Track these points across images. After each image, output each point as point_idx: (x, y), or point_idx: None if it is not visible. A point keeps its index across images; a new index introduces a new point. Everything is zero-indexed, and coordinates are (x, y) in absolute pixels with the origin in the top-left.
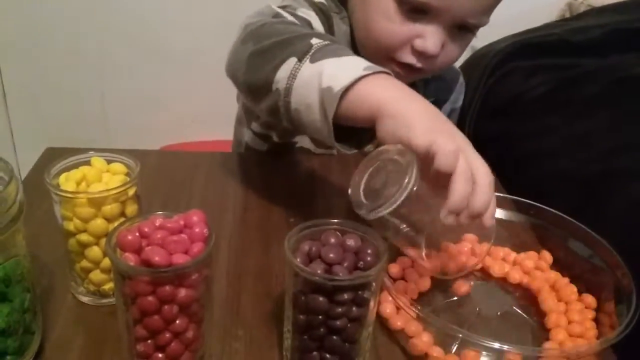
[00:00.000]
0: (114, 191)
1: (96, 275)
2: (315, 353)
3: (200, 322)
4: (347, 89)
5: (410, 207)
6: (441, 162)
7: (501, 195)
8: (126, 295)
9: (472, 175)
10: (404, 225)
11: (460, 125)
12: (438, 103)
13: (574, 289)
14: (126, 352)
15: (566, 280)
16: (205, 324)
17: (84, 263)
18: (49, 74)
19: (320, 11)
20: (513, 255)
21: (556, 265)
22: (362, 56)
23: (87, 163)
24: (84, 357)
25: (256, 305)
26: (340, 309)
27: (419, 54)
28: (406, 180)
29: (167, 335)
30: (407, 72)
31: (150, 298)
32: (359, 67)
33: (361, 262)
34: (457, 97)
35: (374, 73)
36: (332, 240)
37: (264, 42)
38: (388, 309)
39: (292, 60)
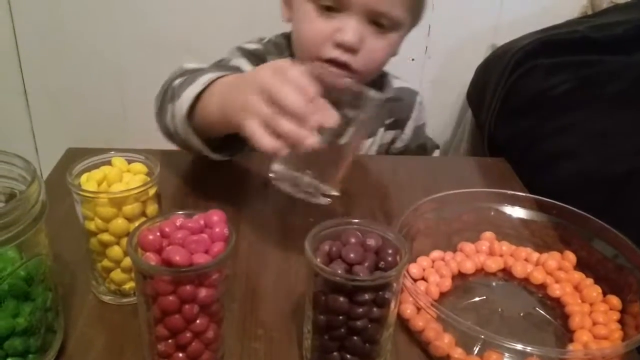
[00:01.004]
0: (135, 191)
1: (117, 275)
2: (335, 353)
3: (221, 322)
4: (191, 111)
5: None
6: (260, 146)
7: (523, 194)
8: (147, 295)
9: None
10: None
11: (480, 123)
12: (398, 122)
13: (598, 289)
14: (147, 351)
15: (590, 280)
16: (225, 324)
17: (105, 262)
18: (69, 76)
19: (255, 57)
20: (535, 255)
21: (580, 265)
22: None
23: (108, 163)
24: (105, 356)
25: (276, 305)
26: (361, 310)
27: (340, 46)
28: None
29: (188, 334)
30: (335, 68)
31: (171, 298)
32: (199, 85)
33: (382, 262)
34: (419, 116)
35: (211, 83)
36: (353, 240)
37: (158, 102)
38: (408, 309)
39: (169, 107)
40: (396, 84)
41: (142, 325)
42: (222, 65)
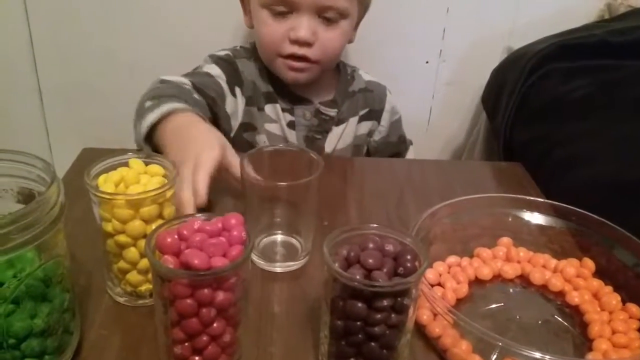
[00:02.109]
0: (152, 193)
1: (133, 276)
2: (352, 359)
3: (237, 326)
4: (146, 138)
5: None
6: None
7: (541, 200)
8: (165, 298)
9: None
10: None
11: (495, 127)
12: (373, 113)
13: (617, 297)
14: (163, 354)
15: (609, 288)
16: (242, 328)
17: (122, 264)
18: (84, 76)
19: (224, 61)
20: (554, 262)
21: (598, 273)
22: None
23: (126, 164)
24: (120, 357)
25: (292, 309)
26: (379, 316)
27: (296, 42)
28: None
29: (205, 338)
30: (295, 61)
31: (188, 301)
32: (157, 113)
33: (401, 268)
34: (393, 109)
35: (164, 118)
36: (371, 245)
37: (135, 115)
38: (425, 315)
39: (138, 124)
40: (366, 77)
41: (158, 328)
42: (195, 73)
